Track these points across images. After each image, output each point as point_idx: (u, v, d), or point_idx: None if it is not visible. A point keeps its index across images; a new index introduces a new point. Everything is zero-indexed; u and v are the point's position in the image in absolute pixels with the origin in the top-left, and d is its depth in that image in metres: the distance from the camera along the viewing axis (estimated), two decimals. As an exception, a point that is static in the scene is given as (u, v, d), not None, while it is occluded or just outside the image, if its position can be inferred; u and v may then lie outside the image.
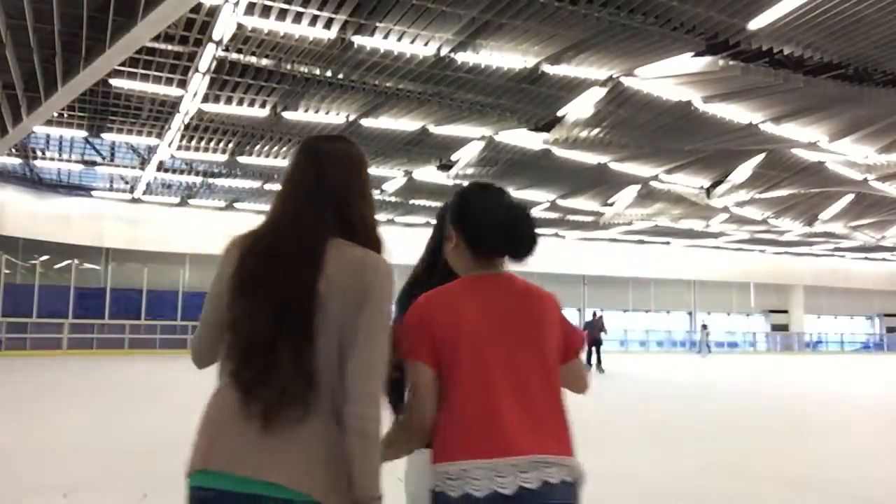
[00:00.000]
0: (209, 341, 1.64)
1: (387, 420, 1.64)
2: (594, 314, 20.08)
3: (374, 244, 1.63)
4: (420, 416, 1.68)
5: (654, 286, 34.71)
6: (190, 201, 25.00)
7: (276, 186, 23.69)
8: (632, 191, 21.96)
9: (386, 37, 11.18)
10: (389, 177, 20.52)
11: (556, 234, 30.25)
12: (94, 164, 21.05)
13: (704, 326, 30.69)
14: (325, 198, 1.61)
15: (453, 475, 1.57)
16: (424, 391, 1.68)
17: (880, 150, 16.79)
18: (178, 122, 15.38)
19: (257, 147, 17.79)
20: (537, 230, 1.83)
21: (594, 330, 18.88)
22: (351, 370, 1.48)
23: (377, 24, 10.78)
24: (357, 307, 1.50)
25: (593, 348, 18.60)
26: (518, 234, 1.79)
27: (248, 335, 1.49)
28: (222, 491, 1.45)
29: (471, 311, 1.72)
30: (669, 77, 12.64)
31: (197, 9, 10.16)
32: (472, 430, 1.62)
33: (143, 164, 20.16)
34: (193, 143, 17.45)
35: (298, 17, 10.60)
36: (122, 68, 12.24)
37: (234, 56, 12.06)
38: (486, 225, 1.78)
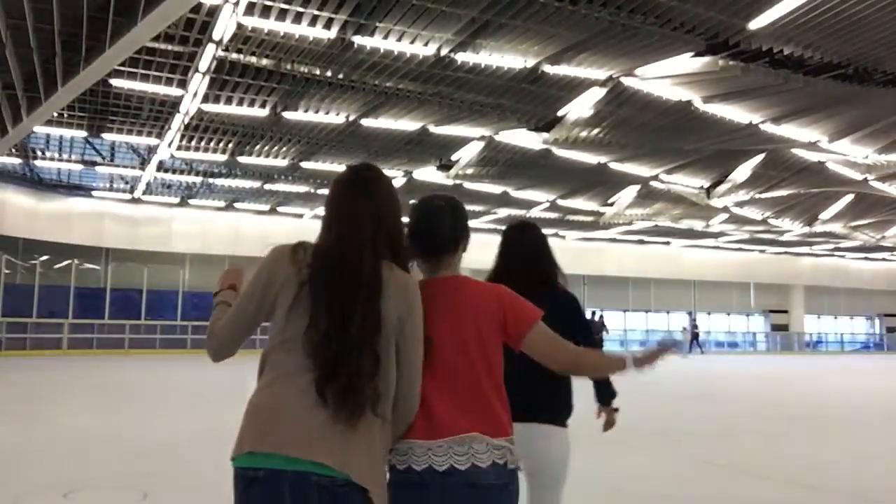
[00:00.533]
0: (235, 339, 1.81)
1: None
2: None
3: (405, 261, 1.86)
4: None
5: (654, 286, 34.70)
6: (190, 201, 24.98)
7: (277, 186, 23.57)
8: (632, 191, 21.96)
9: (386, 37, 11.18)
10: (389, 177, 20.52)
11: (556, 234, 30.24)
12: (94, 164, 21.04)
13: (694, 326, 30.47)
14: (374, 221, 1.79)
15: (401, 451, 1.82)
16: None
17: (880, 150, 16.79)
18: (178, 122, 15.38)
19: (257, 147, 17.80)
20: (457, 223, 2.01)
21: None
22: (406, 377, 1.77)
23: (377, 24, 10.78)
24: (401, 323, 1.76)
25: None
26: (428, 230, 1.98)
27: (336, 351, 1.66)
28: (271, 469, 1.60)
29: None
30: (669, 77, 12.64)
31: (197, 9, 10.16)
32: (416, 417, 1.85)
33: (143, 164, 20.16)
34: (193, 143, 17.44)
35: (298, 17, 10.59)
36: (122, 68, 12.24)
37: (234, 56, 12.06)
38: (416, 231, 1.99)
